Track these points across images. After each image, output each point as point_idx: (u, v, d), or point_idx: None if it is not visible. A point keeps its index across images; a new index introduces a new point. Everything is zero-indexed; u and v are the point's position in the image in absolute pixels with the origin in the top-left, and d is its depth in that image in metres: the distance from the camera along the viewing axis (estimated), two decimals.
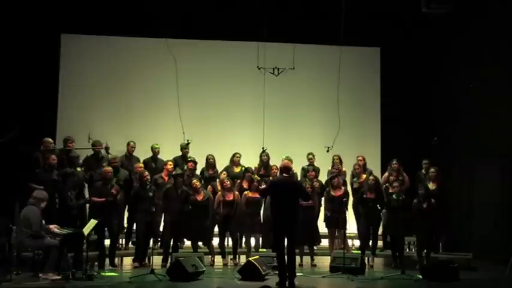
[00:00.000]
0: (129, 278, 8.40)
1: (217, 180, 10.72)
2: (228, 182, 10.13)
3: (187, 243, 10.47)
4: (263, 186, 10.30)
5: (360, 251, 10.02)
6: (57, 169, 9.56)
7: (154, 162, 10.84)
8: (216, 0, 12.15)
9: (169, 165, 10.47)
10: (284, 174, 8.42)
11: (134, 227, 10.05)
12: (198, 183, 10.02)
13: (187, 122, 11.04)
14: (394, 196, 9.89)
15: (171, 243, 9.86)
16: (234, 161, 11.00)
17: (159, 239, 10.06)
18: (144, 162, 10.69)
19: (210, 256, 10.09)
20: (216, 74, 12.65)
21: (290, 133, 12.65)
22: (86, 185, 10.13)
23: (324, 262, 10.27)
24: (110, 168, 9.70)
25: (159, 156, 10.98)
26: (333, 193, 10.29)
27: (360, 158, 11.06)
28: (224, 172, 10.69)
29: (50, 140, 10.08)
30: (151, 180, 9.99)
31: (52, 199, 8.91)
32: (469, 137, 11.57)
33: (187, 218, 9.87)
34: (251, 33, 11.77)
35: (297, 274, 8.30)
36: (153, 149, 11.01)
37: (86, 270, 8.32)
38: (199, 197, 9.98)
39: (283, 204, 8.12)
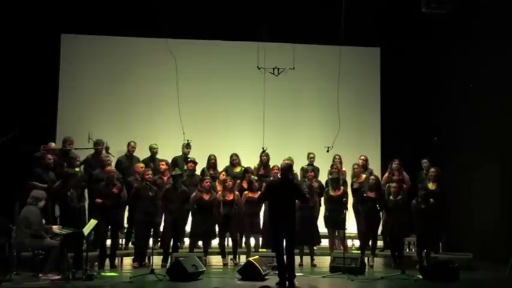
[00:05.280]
0: (129, 278, 8.39)
1: (217, 180, 10.72)
2: (231, 183, 10.13)
3: (188, 243, 10.47)
4: (263, 186, 10.35)
5: (360, 251, 10.03)
6: (55, 170, 9.58)
7: (152, 162, 10.81)
8: (216, 1, 12.15)
9: (162, 166, 10.47)
10: (279, 176, 8.46)
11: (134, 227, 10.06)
12: (209, 183, 10.04)
13: (187, 122, 11.02)
14: (391, 197, 9.89)
15: (171, 243, 9.87)
16: (233, 163, 11.00)
17: (159, 239, 10.06)
18: (143, 162, 10.67)
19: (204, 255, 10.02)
20: (216, 74, 12.66)
21: (290, 133, 12.65)
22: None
23: (324, 262, 10.26)
24: (112, 168, 9.70)
25: (157, 156, 10.97)
26: (332, 193, 10.29)
27: (362, 157, 11.08)
28: (223, 173, 10.69)
29: (54, 144, 10.13)
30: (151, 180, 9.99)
31: (51, 199, 8.92)
32: (469, 137, 11.58)
33: (192, 218, 9.92)
34: (251, 33, 11.77)
35: (297, 274, 8.29)
36: (151, 149, 11.01)
37: (86, 270, 8.31)
38: (207, 197, 9.99)
39: (281, 205, 8.12)
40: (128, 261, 10.08)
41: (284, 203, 8.12)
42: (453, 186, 11.21)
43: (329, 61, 12.04)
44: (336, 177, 10.38)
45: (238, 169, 10.93)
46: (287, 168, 8.45)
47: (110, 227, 9.48)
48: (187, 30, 12.16)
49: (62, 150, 10.18)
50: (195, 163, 10.74)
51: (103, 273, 8.90)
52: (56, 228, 8.54)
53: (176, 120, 10.92)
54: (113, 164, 10.46)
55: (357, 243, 10.98)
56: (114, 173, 9.68)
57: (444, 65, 12.45)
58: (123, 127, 12.08)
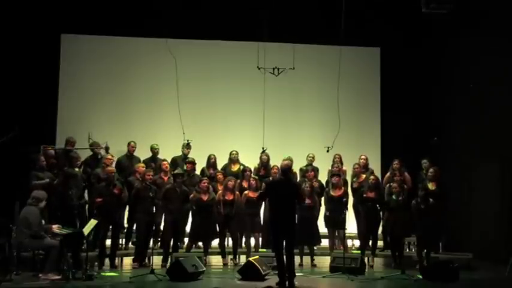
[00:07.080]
0: (129, 278, 8.41)
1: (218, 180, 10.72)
2: (232, 183, 10.12)
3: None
4: (262, 185, 10.35)
5: (360, 251, 10.03)
6: (56, 169, 9.58)
7: (153, 163, 10.81)
8: (217, 0, 12.15)
9: (164, 165, 10.46)
10: (281, 177, 8.48)
11: (134, 227, 10.06)
12: (207, 183, 10.04)
13: (187, 122, 11.01)
14: (393, 197, 9.89)
15: (171, 243, 9.87)
16: (232, 159, 11.00)
17: (159, 239, 10.06)
18: (144, 162, 10.66)
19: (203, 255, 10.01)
20: (216, 74, 12.66)
21: (290, 133, 12.65)
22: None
23: (324, 262, 10.26)
24: (112, 168, 9.70)
25: (158, 156, 10.97)
26: (332, 193, 10.30)
27: (363, 157, 11.07)
28: (219, 172, 10.66)
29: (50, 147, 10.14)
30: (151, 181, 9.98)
31: (50, 199, 8.93)
32: (469, 137, 11.57)
33: (192, 218, 9.92)
34: (251, 33, 11.77)
35: (297, 274, 8.30)
36: (152, 149, 11.02)
37: (86, 270, 8.32)
38: (205, 197, 9.98)
39: (281, 205, 8.14)
40: (128, 261, 10.08)
41: (284, 203, 8.14)
42: (453, 186, 11.20)
43: (329, 61, 12.04)
44: (338, 174, 10.37)
45: (236, 168, 10.92)
46: (286, 168, 8.48)
47: (110, 227, 9.47)
48: (187, 30, 12.16)
49: (64, 151, 10.17)
50: (194, 163, 10.74)
51: (103, 273, 8.91)
52: (55, 228, 8.53)
53: (176, 120, 10.91)
54: (113, 164, 10.45)
55: (357, 243, 10.98)
56: (115, 173, 9.67)
57: (444, 65, 12.45)
58: (123, 127, 12.08)
